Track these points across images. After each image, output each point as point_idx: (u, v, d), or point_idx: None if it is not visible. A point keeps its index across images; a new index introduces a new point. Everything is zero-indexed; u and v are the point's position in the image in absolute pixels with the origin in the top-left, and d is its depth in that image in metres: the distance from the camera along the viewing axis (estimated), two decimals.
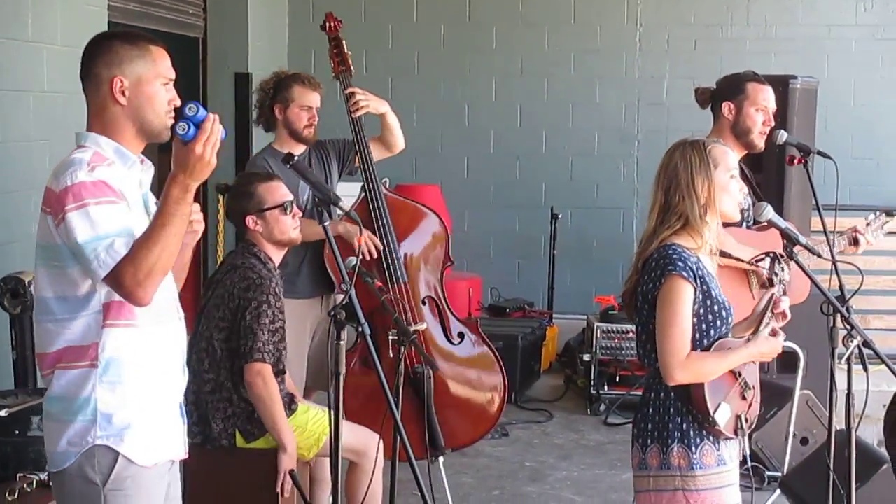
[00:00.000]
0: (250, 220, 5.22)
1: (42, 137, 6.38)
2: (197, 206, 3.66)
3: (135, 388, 3.52)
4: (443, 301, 6.52)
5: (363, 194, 6.39)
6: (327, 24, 6.64)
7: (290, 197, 5.32)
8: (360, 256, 5.95)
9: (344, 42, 6.62)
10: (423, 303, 6.44)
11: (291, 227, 5.27)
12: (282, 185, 5.34)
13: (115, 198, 3.43)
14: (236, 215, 5.28)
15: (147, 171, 3.66)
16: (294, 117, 6.15)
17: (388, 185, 10.46)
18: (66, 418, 3.50)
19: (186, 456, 3.81)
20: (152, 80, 3.56)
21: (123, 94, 3.53)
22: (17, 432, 4.92)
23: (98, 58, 3.58)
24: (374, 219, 6.30)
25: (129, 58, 3.55)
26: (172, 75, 3.62)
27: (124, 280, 3.35)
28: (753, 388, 4.17)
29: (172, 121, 3.58)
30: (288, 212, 5.25)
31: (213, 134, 3.36)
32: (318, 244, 6.02)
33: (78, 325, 3.48)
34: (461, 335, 6.52)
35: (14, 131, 6.18)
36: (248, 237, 5.25)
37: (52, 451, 3.55)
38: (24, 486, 4.73)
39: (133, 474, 3.52)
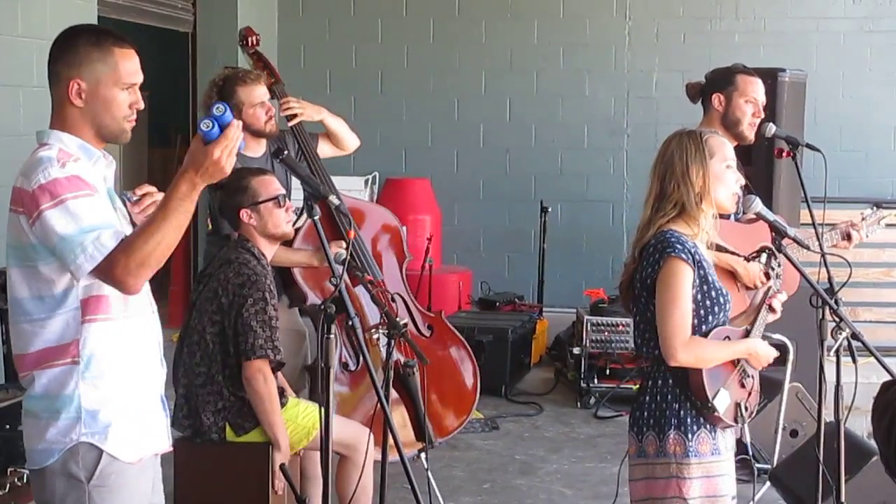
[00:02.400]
0: (244, 214, 5.22)
1: (31, 132, 6.31)
2: (154, 188, 3.69)
3: (116, 383, 3.50)
4: (409, 296, 6.58)
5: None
6: (248, 40, 6.46)
7: (283, 190, 5.32)
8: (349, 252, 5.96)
9: (264, 53, 6.49)
10: (393, 300, 6.47)
11: (284, 220, 5.28)
12: (274, 179, 5.34)
13: (90, 191, 3.40)
14: (230, 210, 5.28)
15: (109, 166, 3.61)
16: (251, 119, 5.94)
17: (377, 179, 10.57)
18: (49, 416, 3.47)
19: (171, 448, 3.79)
20: (111, 84, 3.49)
21: (80, 96, 3.48)
22: (7, 427, 4.93)
23: (60, 56, 3.52)
24: (337, 220, 6.24)
25: (89, 60, 3.48)
26: (136, 80, 3.55)
27: (115, 269, 3.31)
28: (753, 376, 4.20)
29: (132, 125, 3.55)
30: (282, 205, 5.26)
31: (233, 141, 3.33)
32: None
33: (56, 324, 3.45)
34: (430, 327, 6.60)
35: (3, 126, 6.18)
36: (241, 232, 5.25)
37: (33, 448, 3.52)
38: (15, 480, 4.75)
39: (117, 470, 3.50)
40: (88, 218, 3.35)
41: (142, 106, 3.57)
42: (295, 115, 6.30)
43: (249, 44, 6.47)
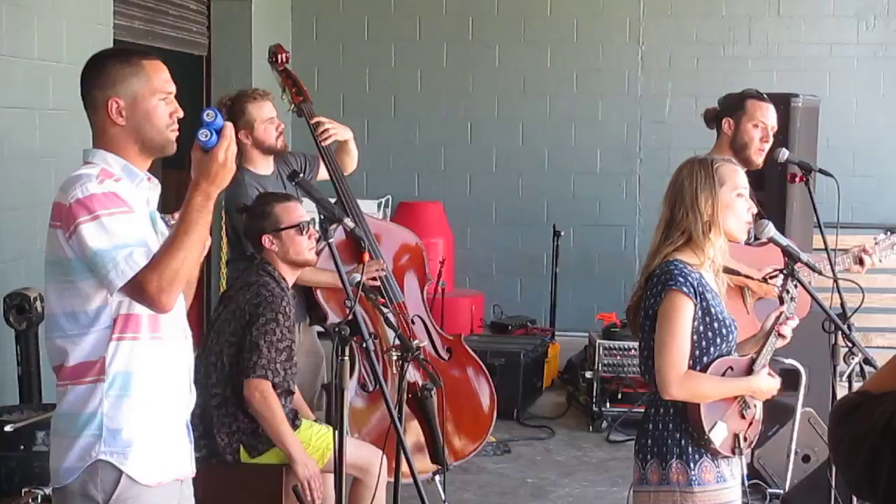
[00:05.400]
0: (266, 240, 5.25)
1: (47, 154, 6.41)
2: None
3: (141, 404, 3.49)
4: (429, 319, 6.57)
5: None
6: (278, 57, 6.49)
7: (307, 218, 5.34)
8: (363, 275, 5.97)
9: (294, 72, 6.53)
10: (412, 321, 6.48)
11: (307, 247, 5.30)
12: (299, 206, 5.36)
13: (126, 209, 3.43)
14: (253, 234, 5.32)
15: (154, 189, 3.64)
16: (263, 135, 6.03)
17: (390, 203, 10.59)
18: (73, 434, 3.47)
19: (194, 474, 3.76)
20: (148, 96, 3.53)
21: (121, 114, 3.51)
22: (21, 447, 4.95)
23: (92, 80, 3.57)
24: (360, 241, 6.27)
25: (122, 77, 3.53)
26: (171, 88, 3.58)
27: (148, 288, 3.33)
28: (755, 407, 4.17)
29: (176, 134, 3.57)
30: (304, 232, 5.28)
31: (231, 140, 3.38)
32: None
33: (88, 341, 3.46)
34: (449, 351, 6.59)
35: (20, 148, 6.21)
36: (264, 256, 5.29)
37: (57, 466, 3.51)
38: (30, 500, 4.75)
39: (136, 494, 3.48)
40: (122, 235, 3.37)
41: (181, 114, 3.60)
42: (329, 136, 6.34)
43: (279, 61, 6.49)
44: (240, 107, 6.06)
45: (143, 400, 3.50)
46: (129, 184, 3.52)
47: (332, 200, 6.27)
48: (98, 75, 3.56)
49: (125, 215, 3.42)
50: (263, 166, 6.07)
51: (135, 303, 3.44)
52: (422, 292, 6.62)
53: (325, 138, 6.32)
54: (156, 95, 3.54)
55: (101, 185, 3.42)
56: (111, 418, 3.46)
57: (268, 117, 6.06)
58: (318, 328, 6.27)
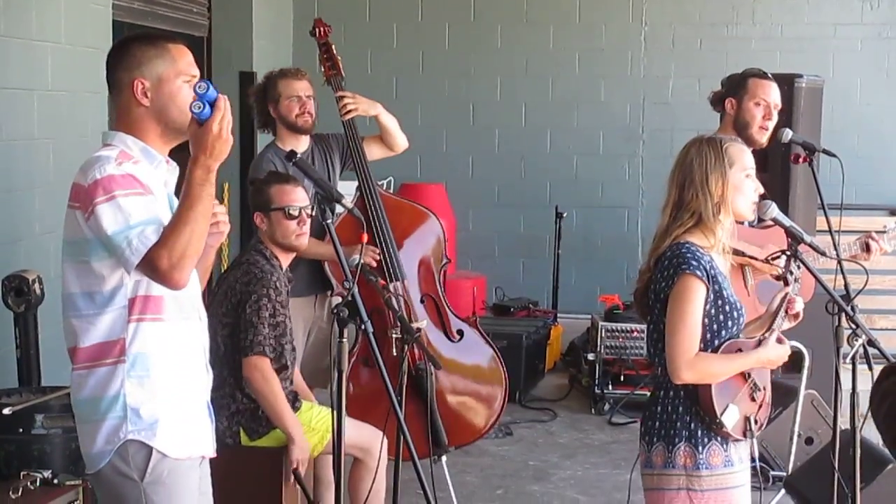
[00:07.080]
0: (258, 217, 5.30)
1: (45, 136, 6.37)
2: (223, 208, 3.70)
3: (162, 382, 3.55)
4: (441, 299, 6.53)
5: (358, 194, 6.40)
6: (317, 30, 6.72)
7: (298, 203, 5.31)
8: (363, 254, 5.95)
9: (333, 46, 6.62)
10: (422, 301, 6.45)
11: (293, 232, 5.28)
12: (296, 190, 5.34)
13: (142, 190, 3.47)
14: (251, 209, 5.37)
15: (172, 171, 3.68)
16: (285, 110, 6.20)
17: (392, 185, 10.55)
18: (97, 418, 3.52)
19: (215, 454, 3.82)
20: (173, 78, 3.58)
21: (146, 94, 3.57)
22: (20, 430, 4.93)
23: (117, 63, 3.63)
24: (370, 218, 6.30)
25: (147, 58, 3.58)
26: (195, 72, 3.63)
27: (160, 264, 3.37)
28: (764, 389, 4.15)
29: None
30: (291, 216, 5.25)
31: (226, 112, 3.39)
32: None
33: (104, 322, 3.51)
34: (461, 332, 6.55)
35: (17, 130, 6.17)
36: (258, 234, 5.30)
37: (88, 452, 3.57)
38: (28, 484, 4.74)
39: (169, 467, 3.55)
40: (136, 215, 3.41)
41: None
42: (349, 111, 6.41)
43: (319, 34, 6.72)
44: (273, 81, 6.31)
45: (163, 380, 3.56)
46: (148, 166, 3.58)
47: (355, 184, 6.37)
48: (123, 57, 3.62)
49: (140, 196, 3.45)
50: (291, 144, 6.16)
51: (153, 284, 3.48)
52: (436, 272, 6.59)
53: (345, 112, 6.40)
54: (180, 77, 3.60)
55: (119, 166, 3.47)
56: (134, 398, 3.51)
57: (294, 94, 6.23)
58: None
